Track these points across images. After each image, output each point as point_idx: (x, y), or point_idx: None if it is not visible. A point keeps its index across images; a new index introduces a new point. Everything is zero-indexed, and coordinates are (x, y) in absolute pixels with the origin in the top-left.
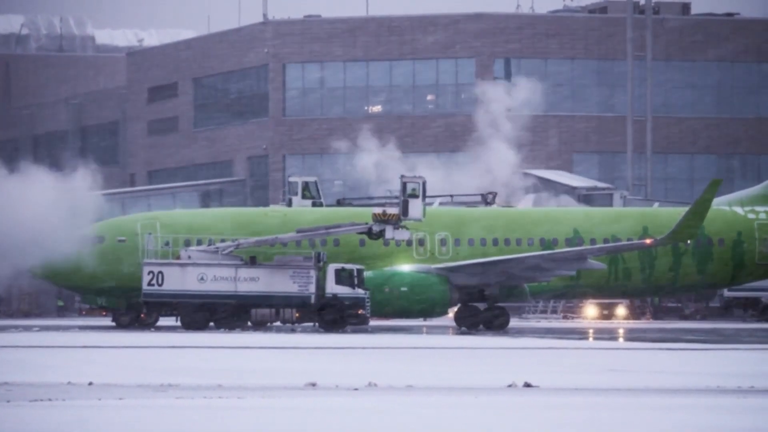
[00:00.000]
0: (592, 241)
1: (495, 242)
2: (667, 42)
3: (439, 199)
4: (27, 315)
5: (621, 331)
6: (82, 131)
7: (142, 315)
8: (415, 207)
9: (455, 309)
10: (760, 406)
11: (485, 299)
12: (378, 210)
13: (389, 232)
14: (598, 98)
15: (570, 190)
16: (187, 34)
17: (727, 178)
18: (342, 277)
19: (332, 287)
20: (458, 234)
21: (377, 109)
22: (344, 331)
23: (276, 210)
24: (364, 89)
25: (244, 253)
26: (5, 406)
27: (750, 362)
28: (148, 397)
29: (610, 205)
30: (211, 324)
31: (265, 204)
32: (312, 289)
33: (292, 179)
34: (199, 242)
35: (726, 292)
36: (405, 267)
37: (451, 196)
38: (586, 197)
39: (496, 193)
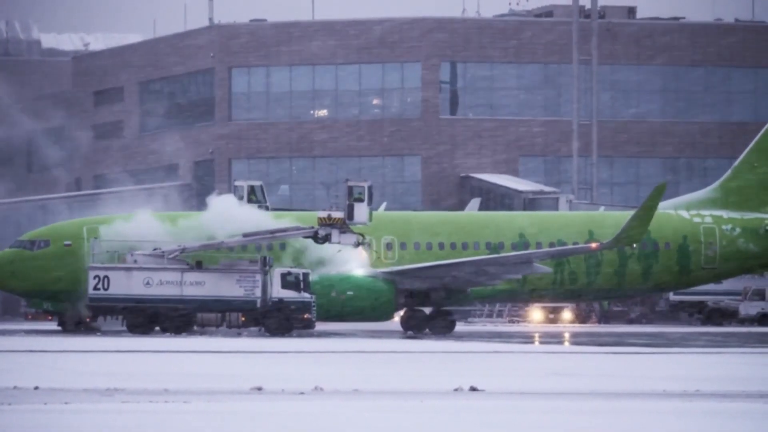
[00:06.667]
0: (538, 245)
1: (441, 246)
2: (613, 46)
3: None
4: None
5: (566, 334)
6: (28, 135)
7: (88, 319)
8: (361, 211)
9: (401, 313)
10: (705, 410)
11: (431, 303)
12: (323, 214)
13: (335, 236)
14: (544, 102)
15: (515, 194)
16: (133, 39)
17: (673, 182)
18: (288, 281)
19: (278, 291)
20: (404, 238)
21: (323, 113)
22: (290, 336)
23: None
24: (310, 93)
25: (190, 257)
26: None
27: (695, 366)
28: (94, 402)
29: (556, 209)
30: (157, 328)
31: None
32: (258, 293)
33: (237, 183)
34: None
35: (672, 296)
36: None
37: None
38: (531, 201)
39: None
